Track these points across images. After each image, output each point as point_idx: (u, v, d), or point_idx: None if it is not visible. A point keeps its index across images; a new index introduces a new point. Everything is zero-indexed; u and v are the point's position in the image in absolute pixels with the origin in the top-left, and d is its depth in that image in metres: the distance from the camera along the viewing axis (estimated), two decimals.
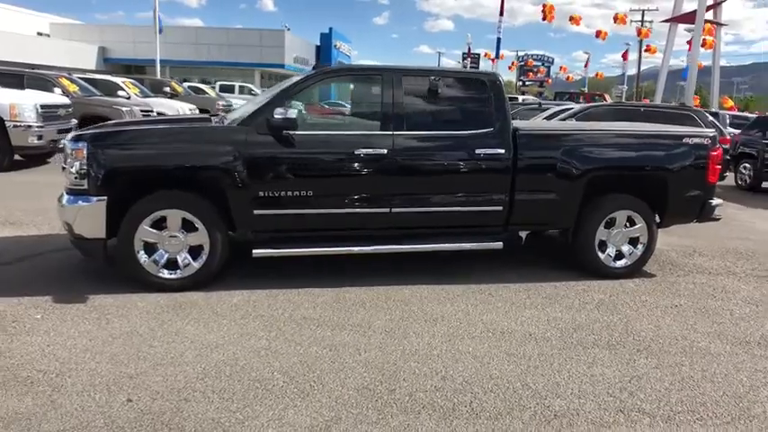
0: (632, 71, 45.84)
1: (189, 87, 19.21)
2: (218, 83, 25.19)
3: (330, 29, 46.54)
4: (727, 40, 35.90)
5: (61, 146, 4.97)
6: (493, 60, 55.49)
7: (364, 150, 4.43)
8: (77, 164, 4.09)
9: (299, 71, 46.29)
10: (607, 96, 32.26)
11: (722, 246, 6.44)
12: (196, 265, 4.32)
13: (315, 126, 4.49)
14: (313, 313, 4.02)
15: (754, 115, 17.78)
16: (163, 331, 3.61)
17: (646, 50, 35.68)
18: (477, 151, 4.64)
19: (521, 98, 36.63)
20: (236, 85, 25.99)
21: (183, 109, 15.26)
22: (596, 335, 3.88)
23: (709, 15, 31.23)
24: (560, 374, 3.29)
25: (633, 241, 5.14)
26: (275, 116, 4.23)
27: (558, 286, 4.82)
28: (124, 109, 12.76)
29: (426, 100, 4.69)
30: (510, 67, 54.62)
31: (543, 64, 58.63)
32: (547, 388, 3.12)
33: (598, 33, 31.25)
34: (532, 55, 58.13)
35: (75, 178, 4.11)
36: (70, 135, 4.41)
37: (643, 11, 38.51)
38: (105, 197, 4.10)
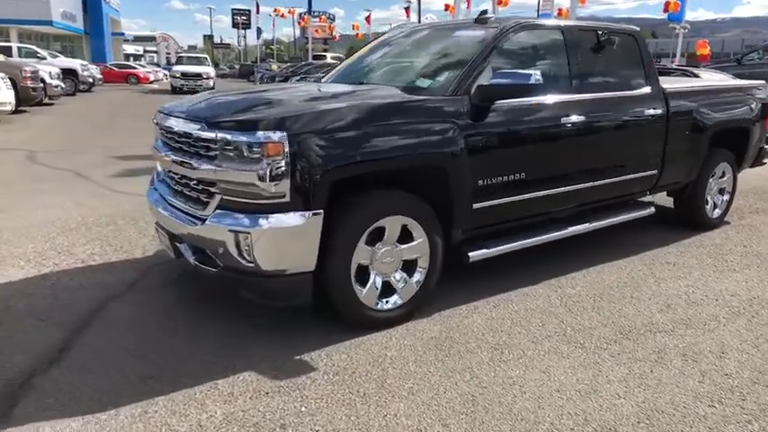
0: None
1: None
2: None
3: None
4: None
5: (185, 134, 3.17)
6: (283, 15, 53.77)
7: (569, 119, 3.79)
8: (269, 164, 2.69)
9: (71, 30, 38.88)
10: None
11: None
12: (415, 284, 3.27)
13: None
14: (587, 322, 3.39)
15: None
16: (547, 377, 2.66)
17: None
18: (646, 112, 4.33)
19: (329, 57, 36.10)
20: (14, 46, 20.61)
21: None
22: None
23: None
24: None
25: (720, 191, 5.42)
26: (497, 81, 3.32)
27: (694, 243, 4.86)
28: None
29: (600, 59, 4.18)
30: (299, 23, 53.56)
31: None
32: None
33: None
34: (315, 11, 57.70)
35: (274, 186, 2.71)
36: (232, 119, 2.87)
37: None
38: (321, 210, 2.81)
